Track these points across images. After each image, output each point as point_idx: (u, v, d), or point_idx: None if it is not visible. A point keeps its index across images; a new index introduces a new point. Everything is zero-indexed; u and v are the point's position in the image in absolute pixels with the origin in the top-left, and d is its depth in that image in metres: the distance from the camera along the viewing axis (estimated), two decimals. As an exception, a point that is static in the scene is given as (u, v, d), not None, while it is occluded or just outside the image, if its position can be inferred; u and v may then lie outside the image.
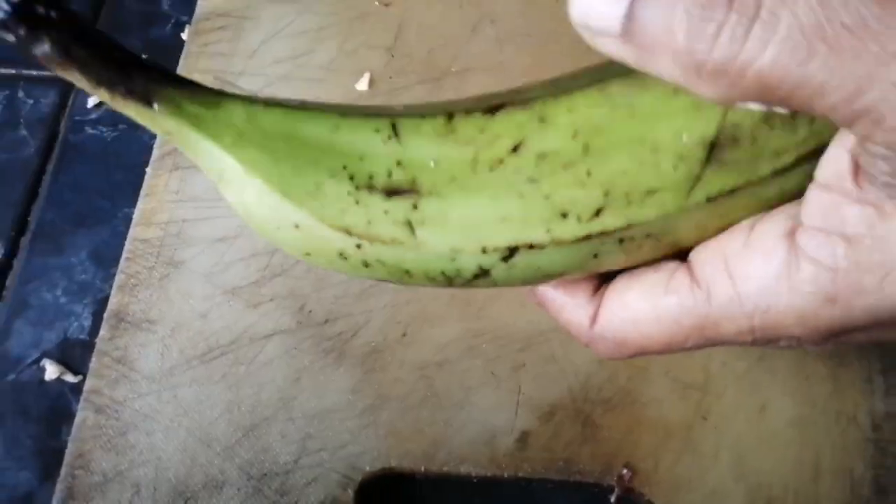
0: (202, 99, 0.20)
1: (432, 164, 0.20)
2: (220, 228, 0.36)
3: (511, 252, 0.21)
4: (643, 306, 0.23)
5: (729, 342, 0.22)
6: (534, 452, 0.33)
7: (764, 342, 0.22)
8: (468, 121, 0.21)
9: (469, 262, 0.21)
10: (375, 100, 0.40)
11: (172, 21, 0.45)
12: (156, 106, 0.19)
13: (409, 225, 0.20)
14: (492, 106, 0.21)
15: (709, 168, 0.20)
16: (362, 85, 0.41)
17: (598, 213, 0.21)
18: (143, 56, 0.20)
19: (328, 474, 0.32)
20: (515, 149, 0.20)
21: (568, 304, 0.24)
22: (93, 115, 0.42)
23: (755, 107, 0.18)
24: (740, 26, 0.16)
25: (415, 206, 0.20)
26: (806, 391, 0.34)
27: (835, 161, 0.19)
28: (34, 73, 0.43)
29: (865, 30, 0.15)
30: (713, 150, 0.20)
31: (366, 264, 0.21)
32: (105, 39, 0.19)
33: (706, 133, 0.20)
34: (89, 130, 0.41)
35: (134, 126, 0.41)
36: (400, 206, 0.20)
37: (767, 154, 0.20)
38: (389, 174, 0.20)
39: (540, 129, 0.20)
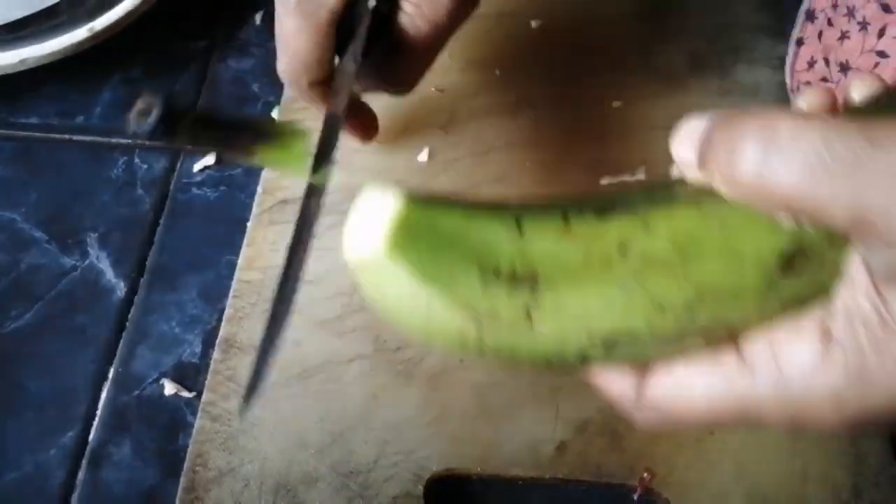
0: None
1: (550, 259, 0.23)
2: (309, 273, 0.44)
3: (613, 341, 0.23)
4: (690, 380, 0.24)
5: (764, 424, 0.24)
6: (570, 458, 0.39)
7: (797, 428, 0.24)
8: (582, 222, 0.23)
9: (574, 348, 0.23)
10: (434, 169, 0.48)
11: (261, 101, 0.54)
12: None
13: (528, 312, 0.22)
14: (602, 208, 0.24)
15: (784, 277, 0.23)
16: (423, 157, 0.49)
17: (690, 309, 0.23)
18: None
19: (402, 473, 0.39)
20: (622, 250, 0.23)
21: (616, 378, 0.26)
22: (197, 178, 0.50)
23: (786, 219, 0.22)
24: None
25: (533, 295, 0.22)
26: (795, 412, 0.41)
27: (854, 276, 0.23)
28: (147, 142, 0.51)
29: (857, 164, 0.20)
30: (788, 262, 0.23)
31: (481, 347, 0.23)
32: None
33: (782, 247, 0.23)
34: (195, 191, 0.49)
35: (232, 187, 0.49)
36: (520, 295, 0.22)
37: (829, 266, 0.23)
38: (513, 265, 0.23)
39: (644, 234, 0.23)
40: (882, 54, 0.43)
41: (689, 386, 0.24)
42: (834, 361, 0.22)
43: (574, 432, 0.40)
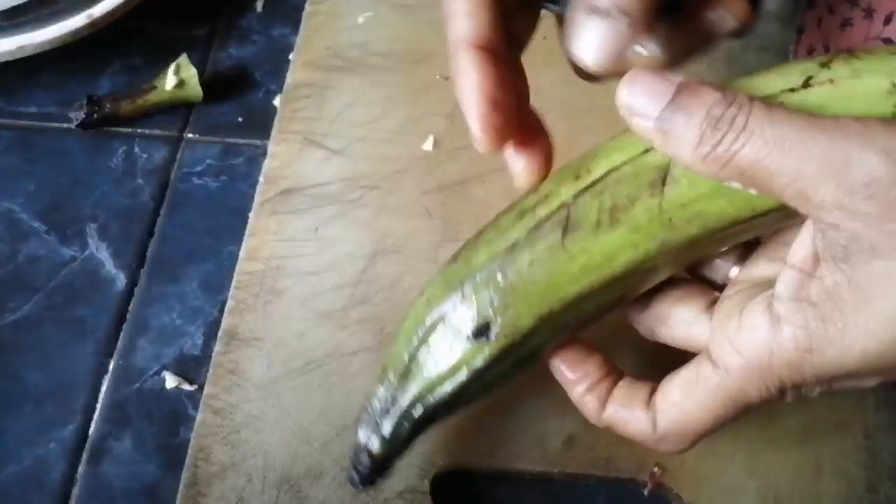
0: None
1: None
2: (312, 264, 0.43)
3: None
4: (686, 401, 0.29)
5: (759, 403, 0.28)
6: (579, 453, 0.39)
7: (780, 395, 0.28)
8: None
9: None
10: (440, 158, 0.48)
11: (263, 89, 0.53)
12: None
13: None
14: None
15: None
16: (427, 146, 0.48)
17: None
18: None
19: (408, 467, 0.38)
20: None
21: (632, 420, 0.31)
22: (198, 168, 0.49)
23: (736, 185, 0.25)
24: (732, 137, 0.24)
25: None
26: (808, 405, 0.40)
27: (800, 247, 0.26)
28: (147, 131, 0.51)
29: (799, 138, 0.24)
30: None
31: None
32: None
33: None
34: (196, 181, 0.49)
35: (233, 177, 0.48)
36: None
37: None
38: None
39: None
40: (888, 41, 0.42)
41: (687, 405, 0.29)
42: (785, 338, 0.26)
43: (582, 426, 0.39)
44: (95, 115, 0.49)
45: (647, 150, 0.28)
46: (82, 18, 0.50)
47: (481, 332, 0.29)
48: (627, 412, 0.31)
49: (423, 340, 0.30)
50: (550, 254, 0.28)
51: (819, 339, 0.25)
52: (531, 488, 0.39)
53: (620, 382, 0.32)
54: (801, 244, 0.26)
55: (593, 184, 0.28)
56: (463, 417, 0.39)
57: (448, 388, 0.31)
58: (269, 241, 0.44)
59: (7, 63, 0.50)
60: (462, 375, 0.30)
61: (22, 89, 0.52)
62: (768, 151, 0.24)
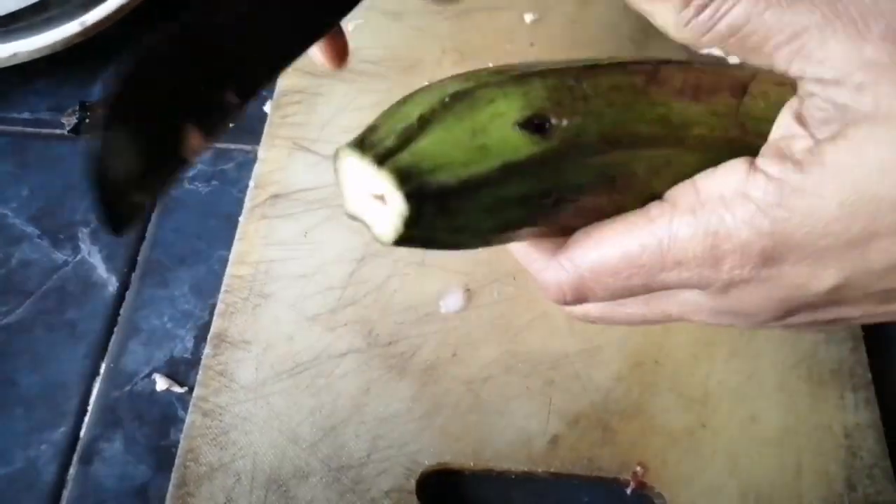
0: None
1: None
2: (301, 267, 0.44)
3: None
4: (612, 226, 0.25)
5: (679, 280, 0.24)
6: (563, 452, 0.39)
7: (717, 268, 0.23)
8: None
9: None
10: (427, 162, 0.48)
11: (254, 95, 0.53)
12: None
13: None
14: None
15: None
16: (416, 150, 0.49)
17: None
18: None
19: (394, 467, 0.38)
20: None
21: (550, 266, 0.26)
22: (189, 173, 0.50)
23: (718, 52, 0.24)
24: None
25: None
26: (790, 405, 0.41)
27: (782, 122, 0.24)
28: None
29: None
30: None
31: None
32: None
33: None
34: (187, 185, 0.49)
35: (224, 182, 0.49)
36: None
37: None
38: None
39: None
40: None
41: (610, 230, 0.25)
42: (754, 186, 0.22)
43: (567, 426, 0.40)
44: (88, 122, 0.50)
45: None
46: (75, 26, 0.51)
47: (536, 126, 0.24)
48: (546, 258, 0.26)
49: (447, 109, 0.24)
50: (632, 91, 0.26)
51: (792, 191, 0.22)
52: (517, 487, 0.39)
53: None
54: (783, 120, 0.24)
55: (680, 62, 0.28)
56: (449, 418, 0.40)
57: (453, 174, 0.23)
58: (258, 245, 0.45)
59: (0, 69, 0.50)
60: (483, 165, 0.23)
61: (15, 95, 0.53)
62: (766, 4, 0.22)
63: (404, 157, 0.23)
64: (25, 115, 0.52)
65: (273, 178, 0.47)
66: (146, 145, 0.23)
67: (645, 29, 0.55)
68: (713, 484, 0.39)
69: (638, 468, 0.39)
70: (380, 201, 0.23)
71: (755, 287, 0.23)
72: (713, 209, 0.23)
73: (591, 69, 0.26)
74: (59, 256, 0.46)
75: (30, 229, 0.47)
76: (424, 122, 0.23)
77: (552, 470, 0.39)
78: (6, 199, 0.48)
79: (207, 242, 0.47)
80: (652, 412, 0.40)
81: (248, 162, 0.50)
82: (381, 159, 0.23)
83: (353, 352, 0.41)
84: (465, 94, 0.24)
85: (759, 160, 0.23)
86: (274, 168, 0.48)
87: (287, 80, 0.52)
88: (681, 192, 0.24)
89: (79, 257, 0.46)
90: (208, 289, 0.45)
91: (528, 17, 0.55)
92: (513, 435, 0.40)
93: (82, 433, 0.41)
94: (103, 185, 0.22)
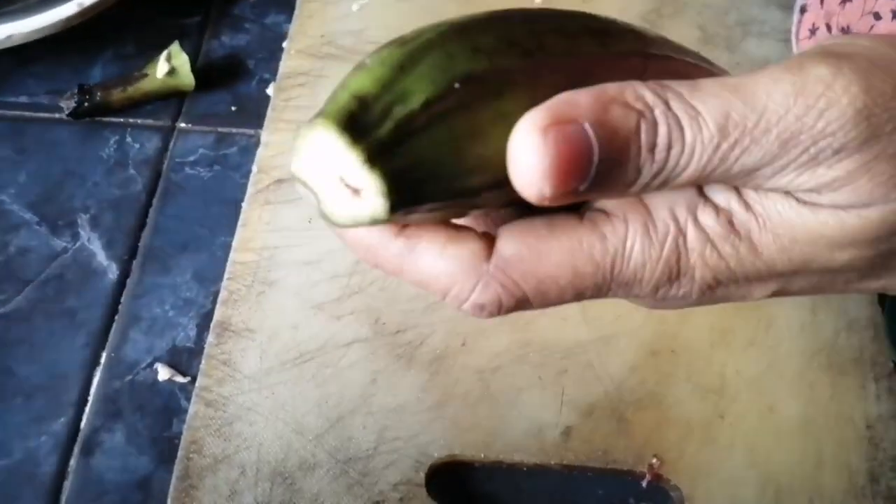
0: None
1: None
2: (306, 253, 0.43)
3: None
4: (557, 240, 0.22)
5: (626, 294, 0.22)
6: (576, 444, 0.38)
7: (654, 295, 0.22)
8: None
9: None
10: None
11: (257, 78, 0.52)
12: None
13: None
14: None
15: None
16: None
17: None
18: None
19: (403, 459, 0.37)
20: None
21: (449, 246, 0.22)
22: (191, 158, 0.48)
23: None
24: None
25: None
26: (809, 395, 0.40)
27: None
28: (139, 121, 0.50)
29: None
30: None
31: None
32: None
33: None
34: (188, 171, 0.48)
35: (226, 167, 0.48)
36: None
37: None
38: None
39: None
40: (876, 16, 0.43)
41: (551, 252, 0.21)
42: (705, 215, 0.22)
43: (580, 417, 0.39)
44: (87, 105, 0.49)
45: None
46: (73, 6, 0.49)
47: None
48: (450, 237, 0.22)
49: (457, 100, 0.20)
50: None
51: (740, 226, 0.22)
52: (528, 480, 0.38)
53: None
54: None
55: (668, 57, 0.26)
56: (459, 409, 0.39)
57: (446, 185, 0.21)
58: (262, 231, 0.43)
59: (-4, 52, 0.49)
60: (478, 178, 0.21)
61: (12, 79, 0.51)
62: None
63: (401, 159, 0.20)
64: (23, 98, 0.51)
65: (277, 163, 0.46)
66: None
67: (658, 9, 0.53)
68: (731, 476, 0.37)
69: (654, 460, 0.38)
70: (347, 188, 0.20)
71: (697, 299, 0.23)
72: (667, 230, 0.22)
73: (597, 60, 0.23)
74: (59, 243, 0.45)
75: (28, 216, 0.46)
76: (429, 115, 0.20)
77: (565, 462, 0.38)
78: (4, 185, 0.47)
79: (210, 229, 0.46)
80: (668, 403, 0.39)
81: (251, 146, 0.48)
82: (374, 155, 0.19)
83: (359, 341, 0.40)
84: (477, 81, 0.21)
85: (709, 189, 0.22)
86: (277, 152, 0.46)
87: (290, 63, 0.50)
88: (628, 206, 0.22)
89: (78, 244, 0.45)
90: (211, 276, 0.44)
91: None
92: (524, 426, 0.38)
93: (83, 424, 0.40)
94: None
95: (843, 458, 0.38)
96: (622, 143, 0.19)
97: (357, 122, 0.19)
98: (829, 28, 0.46)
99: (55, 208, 0.46)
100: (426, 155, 0.20)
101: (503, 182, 0.21)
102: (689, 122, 0.20)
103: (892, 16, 0.41)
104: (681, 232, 0.22)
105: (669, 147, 0.20)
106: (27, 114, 0.50)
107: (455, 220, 0.23)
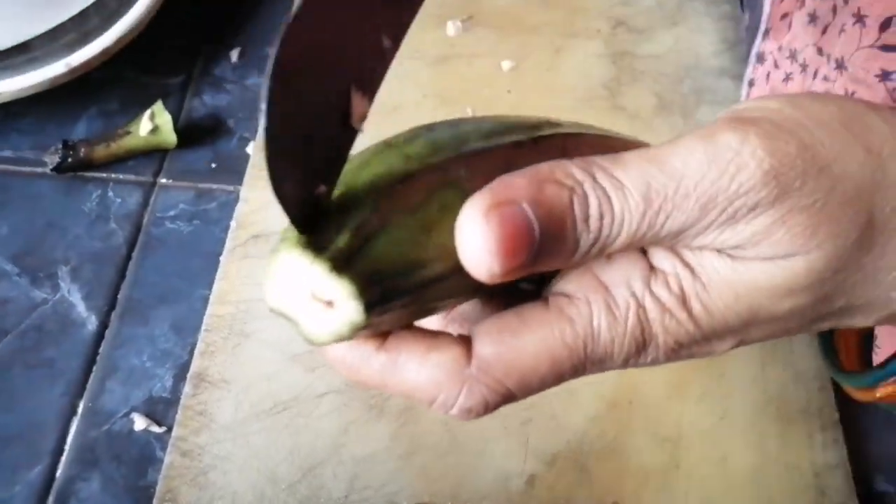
0: None
1: None
2: (282, 306, 0.44)
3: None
4: (529, 333, 0.23)
5: (600, 369, 0.23)
6: (540, 492, 0.40)
7: (623, 365, 0.23)
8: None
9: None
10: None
11: (237, 136, 0.54)
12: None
13: None
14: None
15: None
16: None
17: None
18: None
19: (373, 507, 0.39)
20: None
21: (430, 355, 0.23)
22: (171, 212, 0.50)
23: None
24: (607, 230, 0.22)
25: None
26: (760, 445, 0.42)
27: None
28: (122, 176, 0.52)
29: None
30: None
31: None
32: None
33: None
34: (168, 225, 0.50)
35: (206, 222, 0.50)
36: None
37: None
38: None
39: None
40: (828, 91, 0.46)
41: (526, 345, 0.22)
42: (659, 286, 0.23)
43: (544, 466, 0.40)
44: (70, 160, 0.50)
45: None
46: (61, 66, 0.51)
47: None
48: (432, 344, 0.23)
49: (399, 200, 0.22)
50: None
51: (693, 294, 0.23)
52: (494, 528, 0.40)
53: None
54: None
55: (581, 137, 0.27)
56: (428, 458, 0.40)
57: (412, 277, 0.22)
58: (239, 284, 0.45)
59: (-17, 108, 0.51)
60: (441, 265, 0.22)
61: (-2, 133, 0.53)
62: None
63: (364, 262, 0.21)
64: (7, 153, 0.52)
65: (255, 219, 0.48)
66: (315, 118, 0.20)
67: (617, 77, 0.57)
68: (687, 523, 0.39)
69: (613, 507, 0.39)
70: (320, 303, 0.21)
71: (664, 361, 0.25)
72: (627, 306, 0.23)
73: (519, 148, 0.24)
74: (39, 295, 0.46)
75: (9, 267, 0.47)
76: (380, 218, 0.21)
77: (529, 510, 0.39)
78: (-14, 237, 0.48)
79: (188, 281, 0.47)
80: (627, 453, 0.41)
81: (230, 202, 0.50)
82: (338, 263, 0.20)
83: (332, 392, 0.42)
84: (415, 180, 0.22)
85: (654, 257, 0.24)
86: (256, 208, 0.48)
87: (270, 122, 0.53)
88: (588, 287, 0.23)
89: (58, 296, 0.46)
90: (188, 328, 0.45)
91: (506, 65, 0.57)
92: (491, 475, 0.40)
93: (58, 473, 0.41)
94: (280, 173, 0.19)
95: (792, 505, 0.40)
96: (559, 218, 0.21)
97: (316, 239, 0.21)
98: (773, 101, 0.50)
99: (36, 260, 0.48)
100: (386, 253, 0.21)
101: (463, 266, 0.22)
102: (616, 192, 0.21)
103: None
104: (640, 305, 0.23)
105: (601, 217, 0.21)
106: (11, 168, 0.52)
107: (431, 327, 0.25)
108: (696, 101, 0.56)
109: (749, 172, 0.21)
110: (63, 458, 0.41)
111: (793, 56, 0.47)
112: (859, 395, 0.38)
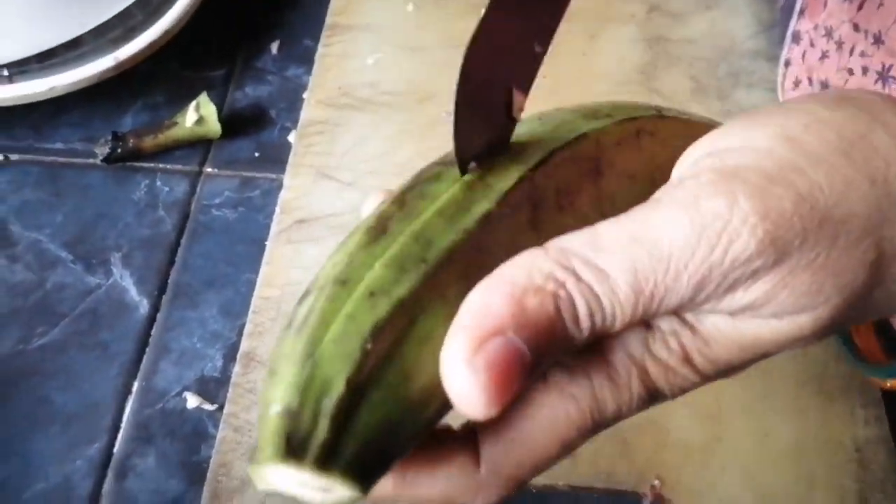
0: None
1: None
2: (326, 288, 0.46)
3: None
4: (535, 421, 0.22)
5: (613, 418, 0.23)
6: (582, 466, 0.41)
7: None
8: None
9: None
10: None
11: (279, 126, 0.56)
12: None
13: None
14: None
15: None
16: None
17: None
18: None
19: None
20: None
21: (439, 468, 0.22)
22: (217, 200, 0.52)
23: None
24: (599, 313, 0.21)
25: None
26: (801, 421, 0.42)
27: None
28: (169, 166, 0.53)
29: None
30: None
31: None
32: None
33: None
34: (215, 212, 0.51)
35: (250, 209, 0.51)
36: None
37: None
38: None
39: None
40: (850, 71, 0.46)
41: (536, 433, 0.22)
42: (659, 347, 0.23)
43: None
44: (119, 151, 0.52)
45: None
46: (109, 60, 0.53)
47: None
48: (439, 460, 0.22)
49: (378, 362, 0.20)
50: None
51: (695, 349, 0.23)
52: (537, 501, 0.41)
53: None
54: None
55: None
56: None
57: (402, 439, 0.21)
58: (285, 267, 0.46)
59: (36, 102, 0.53)
60: (425, 413, 0.21)
61: (49, 127, 0.55)
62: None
63: (351, 445, 0.19)
64: (59, 145, 0.54)
65: (298, 204, 0.49)
66: (489, 116, 0.25)
67: (653, 62, 0.57)
68: (728, 497, 0.40)
69: (655, 481, 0.40)
70: (317, 489, 0.20)
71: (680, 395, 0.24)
72: (628, 373, 0.22)
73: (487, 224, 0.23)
74: (93, 280, 0.48)
75: (64, 254, 0.49)
76: (357, 388, 0.19)
77: (572, 484, 0.40)
78: (41, 226, 0.50)
79: (235, 266, 0.49)
80: (668, 427, 0.42)
81: (273, 189, 0.52)
82: (322, 462, 0.19)
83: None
84: (386, 325, 0.20)
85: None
86: (299, 194, 0.50)
87: (310, 112, 0.54)
88: (589, 359, 0.22)
89: (111, 281, 0.48)
90: (236, 310, 0.47)
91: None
92: (533, 450, 0.41)
93: (116, 449, 0.42)
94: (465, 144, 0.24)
95: (835, 479, 0.40)
96: (548, 331, 0.20)
97: (293, 440, 0.19)
98: (810, 81, 0.50)
99: (89, 247, 0.49)
100: (372, 423, 0.19)
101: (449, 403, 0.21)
102: (602, 287, 0.20)
103: (863, 72, 0.44)
104: (641, 368, 0.22)
105: (591, 315, 0.20)
106: (63, 159, 0.54)
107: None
108: (732, 83, 0.56)
109: (743, 242, 0.20)
110: (120, 436, 0.43)
111: (829, 34, 0.47)
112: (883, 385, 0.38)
